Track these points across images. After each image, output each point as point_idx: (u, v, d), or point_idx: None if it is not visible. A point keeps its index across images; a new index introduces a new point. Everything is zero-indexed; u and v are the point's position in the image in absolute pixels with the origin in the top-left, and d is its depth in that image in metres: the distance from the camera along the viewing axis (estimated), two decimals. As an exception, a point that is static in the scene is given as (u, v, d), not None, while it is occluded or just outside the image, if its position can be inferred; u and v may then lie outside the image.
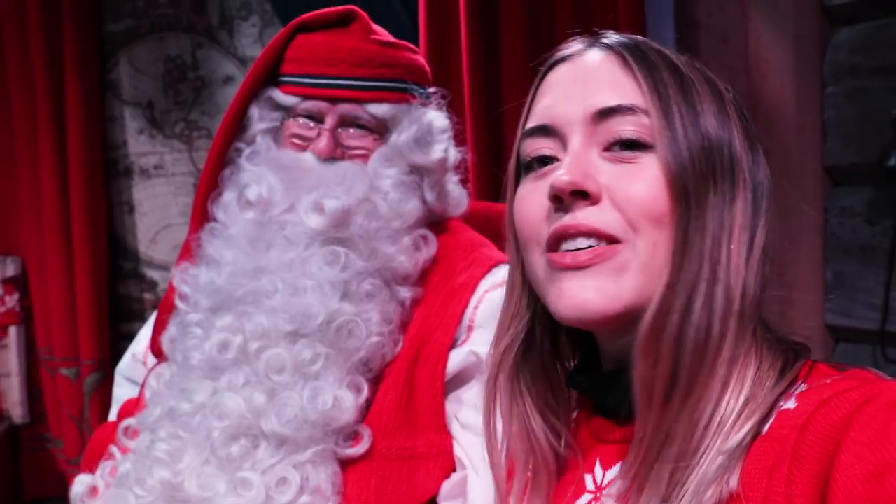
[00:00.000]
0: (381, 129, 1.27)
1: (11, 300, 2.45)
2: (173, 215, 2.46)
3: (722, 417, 0.66)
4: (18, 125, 2.40)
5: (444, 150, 1.29)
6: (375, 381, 1.18)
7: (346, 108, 1.24)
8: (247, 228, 1.20)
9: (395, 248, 1.22)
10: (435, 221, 1.32)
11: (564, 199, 0.71)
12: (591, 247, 0.71)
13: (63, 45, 2.32)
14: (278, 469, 1.08)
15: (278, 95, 1.27)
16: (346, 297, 1.16)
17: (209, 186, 1.30)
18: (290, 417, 1.09)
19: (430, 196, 1.30)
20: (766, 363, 0.69)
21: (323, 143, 1.23)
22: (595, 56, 0.75)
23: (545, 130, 0.75)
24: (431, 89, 1.35)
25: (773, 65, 1.80)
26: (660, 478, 0.67)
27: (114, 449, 1.20)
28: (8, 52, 2.37)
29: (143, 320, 2.42)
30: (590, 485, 0.79)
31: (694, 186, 0.69)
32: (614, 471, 0.76)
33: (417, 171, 1.28)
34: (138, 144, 2.45)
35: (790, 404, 0.65)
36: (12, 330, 2.46)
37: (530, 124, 0.78)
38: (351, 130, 1.26)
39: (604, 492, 0.77)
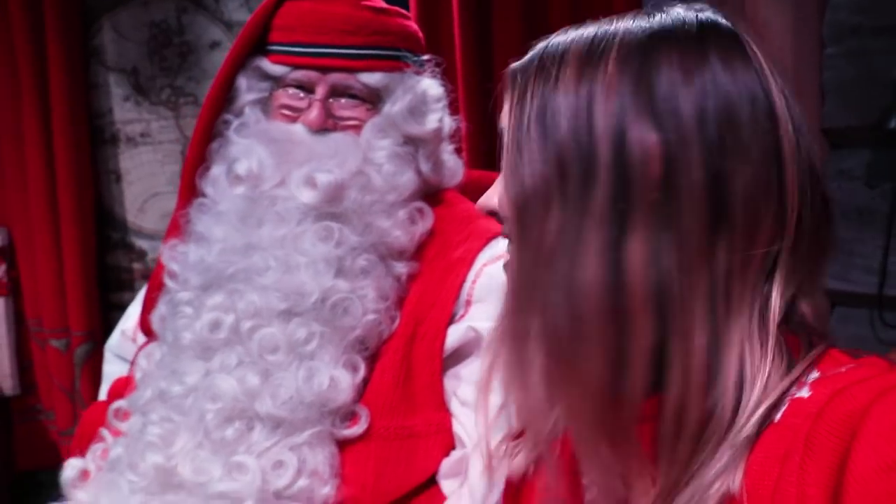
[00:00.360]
0: (373, 99, 1.24)
1: (-1, 271, 2.43)
2: (161, 184, 2.42)
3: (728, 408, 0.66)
4: (0, 94, 2.35)
5: (438, 119, 1.27)
6: (372, 360, 1.17)
7: (337, 78, 1.21)
8: (237, 204, 1.17)
9: (389, 222, 1.20)
10: (430, 193, 1.29)
11: None
12: None
13: (44, 12, 2.26)
14: (274, 452, 1.06)
15: (267, 65, 1.24)
16: (341, 274, 1.14)
17: (197, 160, 1.26)
18: (286, 399, 1.07)
19: (425, 167, 1.26)
20: (773, 354, 0.67)
21: (314, 114, 1.20)
22: None
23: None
24: (425, 56, 1.32)
25: (771, 26, 1.77)
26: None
27: (105, 432, 1.18)
28: (-13, 19, 2.32)
29: (132, 290, 2.40)
30: None
31: (531, 203, 0.70)
32: None
33: (412, 141, 1.25)
34: (124, 112, 2.40)
35: (803, 392, 0.64)
36: (1, 301, 2.44)
37: None
38: (343, 101, 1.22)
39: None
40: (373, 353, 1.17)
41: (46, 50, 2.28)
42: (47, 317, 2.39)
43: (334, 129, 1.22)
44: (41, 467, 2.55)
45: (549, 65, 0.71)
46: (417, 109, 1.24)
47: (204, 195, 1.24)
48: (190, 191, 1.26)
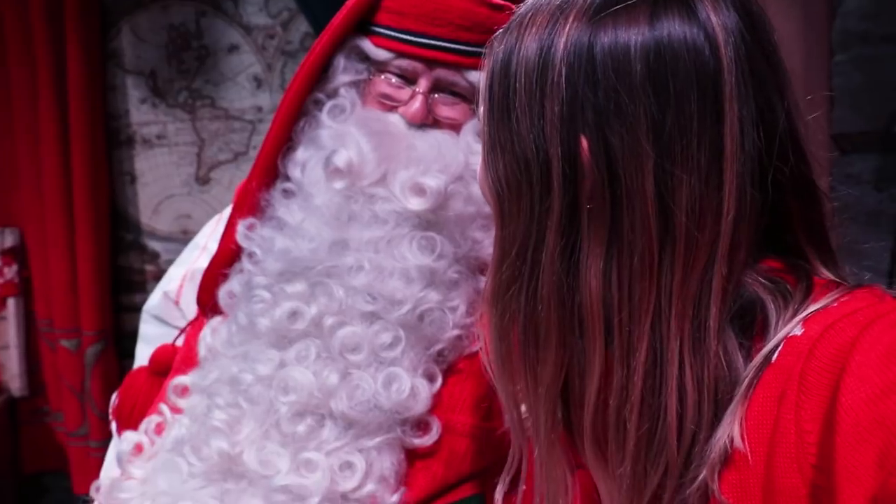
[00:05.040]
0: (476, 99, 1.13)
1: (10, 272, 2.44)
2: (176, 186, 2.44)
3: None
4: (18, 95, 2.37)
5: None
6: (449, 372, 1.11)
7: (443, 73, 1.13)
8: (334, 200, 1.10)
9: (483, 233, 1.12)
10: None
11: None
12: None
13: (64, 14, 2.29)
14: (343, 452, 1.01)
15: (369, 46, 1.16)
16: (432, 285, 1.09)
17: (281, 139, 1.18)
18: (361, 400, 1.02)
19: None
20: (715, 361, 0.67)
21: (415, 107, 1.13)
22: None
23: None
24: None
25: (780, 33, 1.81)
26: None
27: (164, 407, 1.14)
28: (7, 20, 2.34)
29: (144, 292, 2.41)
30: None
31: (504, 192, 0.71)
32: None
33: None
34: (140, 114, 2.42)
35: (797, 330, 0.64)
36: (11, 301, 2.45)
37: None
38: (445, 97, 1.15)
39: None
40: (451, 365, 1.11)
41: (65, 52, 2.31)
42: (59, 317, 2.40)
43: (432, 125, 1.14)
44: (49, 469, 2.55)
45: (513, 32, 0.71)
46: None
47: (287, 178, 1.17)
48: (270, 170, 1.18)
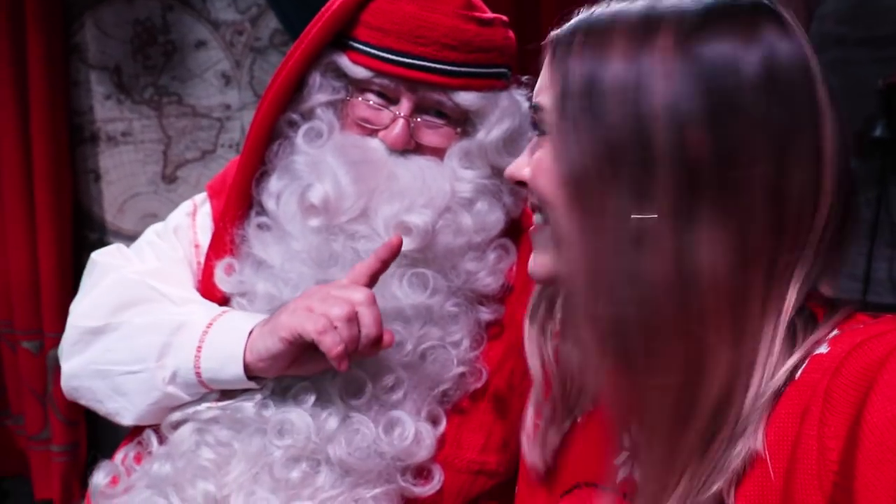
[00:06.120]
0: (461, 120, 1.10)
1: (-32, 272, 2.37)
2: (142, 184, 2.39)
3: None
4: (-23, 90, 2.31)
5: None
6: (454, 412, 1.07)
7: (428, 94, 1.06)
8: (311, 241, 1.04)
9: (478, 265, 1.08)
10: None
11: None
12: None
13: (24, 7, 2.23)
14: (339, 502, 0.96)
15: (346, 63, 1.08)
16: (431, 322, 1.04)
17: (253, 165, 1.10)
18: (361, 446, 0.97)
19: (508, 201, 1.11)
20: (782, 345, 0.67)
21: (397, 131, 1.06)
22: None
23: None
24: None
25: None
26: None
27: (151, 436, 1.06)
28: (-35, 13, 2.28)
29: (109, 292, 2.35)
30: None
31: (585, 187, 0.68)
32: None
33: (498, 174, 1.09)
34: (105, 110, 2.37)
35: (823, 349, 0.65)
36: (-32, 303, 2.39)
37: None
38: (428, 119, 1.08)
39: None
40: (455, 405, 1.07)
41: (26, 46, 2.25)
42: (19, 318, 2.34)
43: (415, 150, 1.08)
44: (9, 474, 2.49)
45: (595, 37, 0.69)
46: (512, 139, 1.10)
47: (261, 207, 1.10)
48: (243, 201, 1.11)
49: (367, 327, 0.94)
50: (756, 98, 0.64)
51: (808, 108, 0.66)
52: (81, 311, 1.11)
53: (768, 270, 0.66)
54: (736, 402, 0.65)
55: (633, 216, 0.65)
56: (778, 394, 0.65)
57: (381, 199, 1.04)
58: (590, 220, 0.68)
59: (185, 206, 1.23)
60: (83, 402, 1.11)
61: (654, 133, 0.64)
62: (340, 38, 1.09)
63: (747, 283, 0.65)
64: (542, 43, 0.74)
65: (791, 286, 0.67)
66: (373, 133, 1.09)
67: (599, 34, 0.69)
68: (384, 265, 0.99)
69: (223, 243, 1.11)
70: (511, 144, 1.10)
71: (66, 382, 1.11)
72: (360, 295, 0.95)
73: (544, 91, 0.73)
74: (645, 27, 0.67)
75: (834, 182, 0.66)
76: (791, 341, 0.67)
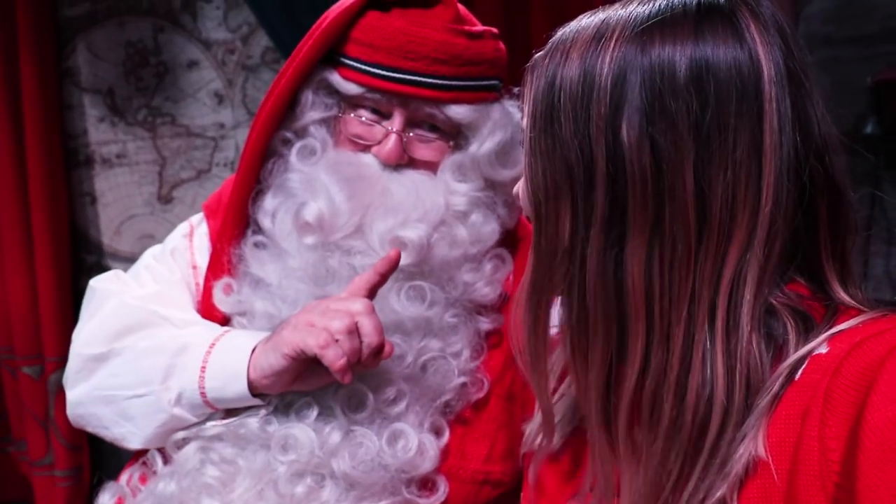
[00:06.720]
0: (454, 133, 1.11)
1: (-34, 298, 2.37)
2: (138, 205, 2.39)
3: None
4: (-29, 116, 2.31)
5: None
6: (457, 422, 1.07)
7: (419, 108, 1.07)
8: (309, 259, 1.05)
9: (475, 276, 1.08)
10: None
11: None
12: None
13: (17, 32, 2.24)
14: None
15: (337, 80, 1.08)
16: (430, 333, 1.04)
17: (249, 184, 1.11)
18: (365, 459, 0.97)
19: (502, 212, 1.13)
20: (748, 352, 0.68)
21: (389, 146, 1.06)
22: None
23: None
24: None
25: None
26: None
27: (156, 456, 1.07)
28: (-42, 40, 2.28)
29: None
30: None
31: (542, 200, 0.74)
32: None
33: (492, 186, 1.11)
34: (99, 133, 2.38)
35: (822, 349, 0.65)
36: (-33, 329, 2.38)
37: None
38: (421, 133, 1.09)
39: None
40: (458, 415, 1.07)
41: (19, 70, 2.26)
42: (19, 343, 2.34)
43: (408, 165, 1.09)
44: (10, 500, 2.48)
45: (557, 54, 0.72)
46: (504, 151, 1.10)
47: (258, 226, 1.11)
48: (240, 220, 1.12)
49: (369, 336, 0.95)
50: (685, 100, 0.66)
51: (747, 108, 0.66)
52: (83, 339, 1.11)
53: (701, 274, 0.67)
54: (688, 407, 0.67)
55: (578, 234, 0.71)
56: (777, 396, 0.65)
57: (376, 215, 1.05)
58: (546, 232, 0.73)
59: (182, 227, 1.24)
60: (89, 429, 1.11)
61: (595, 149, 0.68)
62: (331, 55, 1.10)
63: (673, 288, 0.68)
64: (524, 67, 0.77)
65: (745, 287, 0.67)
66: (366, 149, 1.09)
67: (560, 51, 0.73)
68: (383, 278, 1.00)
69: (221, 263, 1.12)
70: (504, 156, 1.11)
71: (71, 410, 1.11)
72: (358, 305, 0.96)
73: (524, 112, 0.77)
74: (597, 38, 0.70)
75: (777, 181, 0.66)
76: (768, 342, 0.67)
